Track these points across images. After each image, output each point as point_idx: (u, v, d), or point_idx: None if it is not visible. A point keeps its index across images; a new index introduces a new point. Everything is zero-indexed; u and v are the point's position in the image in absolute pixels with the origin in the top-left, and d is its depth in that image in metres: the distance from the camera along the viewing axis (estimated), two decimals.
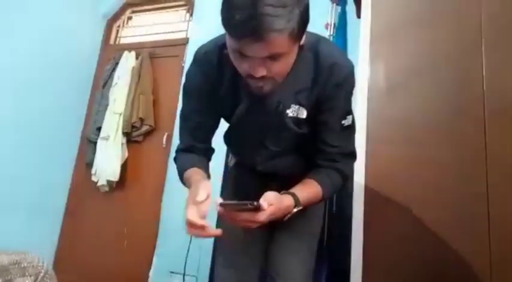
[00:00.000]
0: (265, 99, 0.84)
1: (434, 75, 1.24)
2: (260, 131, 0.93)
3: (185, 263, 2.04)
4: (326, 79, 0.83)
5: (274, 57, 0.72)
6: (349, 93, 0.87)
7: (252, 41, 0.68)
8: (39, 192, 2.22)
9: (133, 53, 2.52)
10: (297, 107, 0.87)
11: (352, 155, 0.94)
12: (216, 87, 0.88)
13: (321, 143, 0.90)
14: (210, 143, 0.98)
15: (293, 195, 0.83)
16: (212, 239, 1.32)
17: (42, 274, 0.81)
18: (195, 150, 0.95)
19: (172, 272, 1.96)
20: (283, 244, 0.99)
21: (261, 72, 0.73)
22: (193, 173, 0.87)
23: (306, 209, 0.88)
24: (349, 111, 0.88)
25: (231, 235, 1.02)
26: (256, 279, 1.01)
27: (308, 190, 0.87)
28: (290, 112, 0.87)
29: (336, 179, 0.90)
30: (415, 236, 1.13)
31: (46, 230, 2.29)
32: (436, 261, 1.11)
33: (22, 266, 0.79)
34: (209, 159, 0.98)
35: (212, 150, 0.99)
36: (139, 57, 2.48)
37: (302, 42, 0.78)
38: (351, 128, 0.89)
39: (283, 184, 0.90)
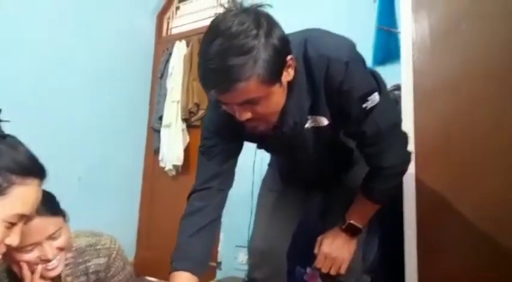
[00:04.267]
0: (280, 127, 0.82)
1: (480, 23, 1.13)
2: (293, 152, 0.95)
3: (248, 236, 2.17)
4: (325, 83, 0.78)
5: (252, 102, 0.70)
6: (356, 78, 0.78)
7: (221, 93, 0.68)
8: (118, 178, 2.49)
9: (183, 42, 2.62)
10: (313, 117, 0.84)
11: (393, 127, 0.88)
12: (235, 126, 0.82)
13: (355, 135, 0.89)
14: (231, 169, 0.95)
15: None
16: None
17: (113, 255, 0.94)
18: (210, 194, 0.91)
19: (238, 246, 2.09)
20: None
21: (245, 116, 0.72)
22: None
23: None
24: (370, 92, 0.80)
25: (266, 209, 1.11)
26: (285, 250, 1.08)
27: (353, 207, 0.96)
28: (308, 124, 0.85)
29: (383, 173, 0.90)
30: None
31: (127, 210, 2.60)
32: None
33: (97, 248, 0.93)
34: (223, 202, 0.95)
35: (231, 183, 0.97)
36: (190, 45, 2.57)
37: (288, 77, 0.74)
38: (380, 104, 0.82)
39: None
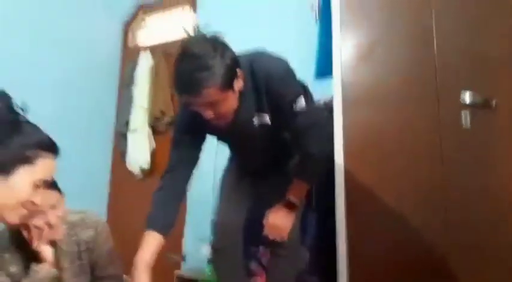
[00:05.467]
0: (235, 121, 1.08)
1: (396, 44, 1.46)
2: (244, 143, 1.23)
3: (210, 230, 2.39)
4: (265, 89, 1.06)
5: (213, 104, 0.96)
6: (287, 86, 1.07)
7: (190, 97, 0.95)
8: (85, 182, 2.61)
9: (149, 53, 2.82)
10: (259, 114, 1.11)
11: (314, 125, 1.15)
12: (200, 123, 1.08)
13: (288, 129, 1.17)
14: (195, 156, 1.21)
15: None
16: None
17: (99, 228, 1.14)
18: (177, 174, 1.16)
19: (201, 239, 2.30)
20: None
21: (208, 114, 0.99)
22: (149, 239, 1.09)
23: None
24: (297, 96, 1.08)
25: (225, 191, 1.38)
26: (241, 225, 1.34)
27: (290, 187, 1.22)
28: (255, 121, 1.12)
29: (308, 159, 1.17)
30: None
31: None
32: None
33: (86, 221, 1.13)
34: (187, 180, 1.19)
35: (194, 165, 1.21)
36: (155, 56, 2.78)
37: (239, 86, 1.01)
38: (305, 107, 1.09)
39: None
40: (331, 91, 1.82)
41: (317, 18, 2.05)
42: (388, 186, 1.40)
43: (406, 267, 1.31)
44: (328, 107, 1.75)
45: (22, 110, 0.84)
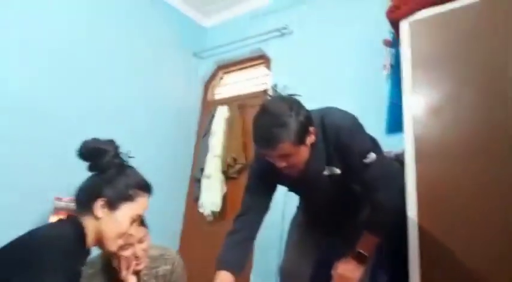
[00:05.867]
0: (306, 172, 1.16)
1: (468, 99, 1.44)
2: (315, 193, 1.28)
3: (276, 280, 2.37)
4: (335, 143, 1.12)
5: (286, 156, 1.06)
6: (357, 140, 1.12)
7: (267, 150, 1.05)
8: (162, 222, 2.81)
9: (225, 107, 3.07)
10: (329, 167, 1.18)
11: (384, 178, 1.16)
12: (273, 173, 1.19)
13: (358, 181, 1.20)
14: (266, 204, 1.29)
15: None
16: None
17: (176, 264, 1.25)
18: (247, 219, 1.25)
19: None
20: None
21: (281, 164, 1.08)
22: (221, 277, 1.14)
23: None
24: (367, 151, 1.12)
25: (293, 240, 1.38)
26: (308, 273, 1.34)
27: (360, 239, 1.20)
28: (325, 172, 1.18)
29: (378, 210, 1.17)
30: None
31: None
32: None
33: (165, 257, 1.24)
34: (258, 226, 1.27)
35: (265, 212, 1.29)
36: (231, 109, 3.03)
37: (311, 141, 1.10)
38: (376, 160, 1.13)
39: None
40: (400, 146, 1.82)
41: (387, 75, 2.11)
42: (461, 239, 1.32)
43: None
44: (399, 160, 1.74)
45: (126, 155, 1.01)
